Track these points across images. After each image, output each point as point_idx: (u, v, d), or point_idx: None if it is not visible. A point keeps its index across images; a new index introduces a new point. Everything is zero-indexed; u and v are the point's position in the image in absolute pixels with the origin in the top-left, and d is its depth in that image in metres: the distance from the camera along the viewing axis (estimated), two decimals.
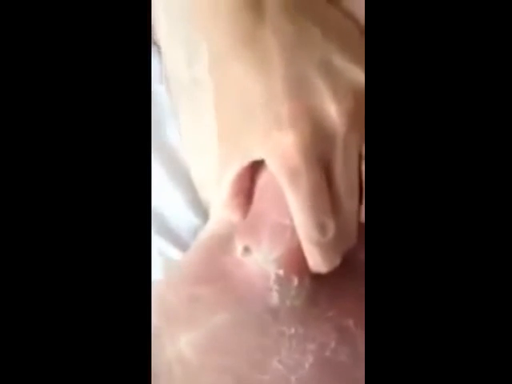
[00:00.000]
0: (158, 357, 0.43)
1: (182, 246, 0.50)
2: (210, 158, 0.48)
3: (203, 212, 0.52)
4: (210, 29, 0.43)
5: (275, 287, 0.43)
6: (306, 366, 0.41)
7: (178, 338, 0.43)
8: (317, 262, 0.42)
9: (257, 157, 0.43)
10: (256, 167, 0.44)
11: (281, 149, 0.41)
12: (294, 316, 0.42)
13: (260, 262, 0.43)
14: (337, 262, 0.42)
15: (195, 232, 0.51)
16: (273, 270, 0.43)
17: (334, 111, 0.40)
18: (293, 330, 0.42)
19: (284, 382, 0.41)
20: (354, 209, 0.42)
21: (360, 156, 0.42)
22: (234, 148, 0.43)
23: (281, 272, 0.43)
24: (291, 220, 0.42)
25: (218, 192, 0.45)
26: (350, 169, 0.42)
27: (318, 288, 0.43)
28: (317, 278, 0.43)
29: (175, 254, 0.51)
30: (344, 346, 0.42)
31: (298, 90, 0.41)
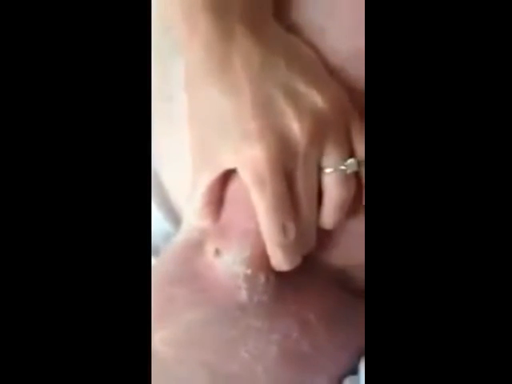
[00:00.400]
0: None
1: (155, 251, 0.55)
2: (182, 170, 0.52)
3: (176, 219, 0.56)
4: (188, 53, 0.47)
5: (244, 285, 0.47)
6: (271, 355, 0.46)
7: (156, 337, 0.48)
8: (279, 261, 0.47)
9: (228, 166, 0.47)
10: (227, 177, 0.48)
11: (250, 160, 0.45)
12: (261, 310, 0.47)
13: (230, 263, 0.48)
14: (297, 261, 0.47)
15: (167, 238, 0.55)
16: (241, 270, 0.47)
17: (297, 128, 0.45)
18: (259, 323, 0.47)
19: (251, 371, 0.46)
20: (314, 215, 0.47)
21: (319, 168, 0.47)
22: (206, 160, 0.48)
23: (249, 271, 0.47)
24: (256, 224, 0.47)
25: (190, 201, 0.49)
26: (309, 179, 0.47)
27: (283, 285, 0.48)
28: (281, 275, 0.48)
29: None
30: (305, 338, 0.47)
31: (265, 110, 0.46)
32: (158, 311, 0.49)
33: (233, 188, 0.49)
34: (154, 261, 0.54)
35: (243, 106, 0.46)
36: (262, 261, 0.47)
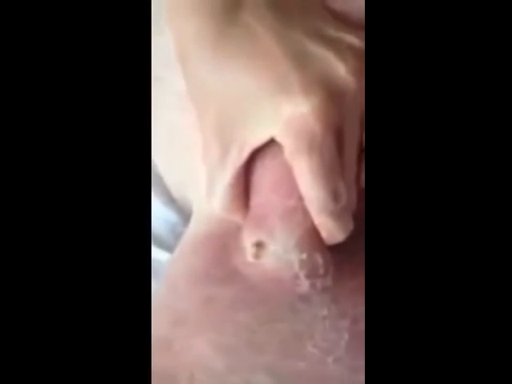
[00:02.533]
0: (174, 367, 0.42)
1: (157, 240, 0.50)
2: (175, 153, 0.46)
3: (179, 209, 0.50)
4: (184, 25, 0.42)
5: (302, 273, 0.43)
6: (342, 344, 0.42)
7: (194, 342, 0.42)
8: (333, 232, 0.42)
9: (261, 139, 0.41)
10: (251, 158, 0.43)
11: (294, 121, 0.39)
12: (327, 296, 0.42)
13: (280, 252, 0.42)
14: (351, 226, 0.42)
15: (170, 225, 0.49)
16: (296, 257, 0.42)
17: (343, 71, 0.40)
18: (326, 311, 0.42)
19: (320, 365, 0.42)
20: (355, 171, 0.42)
21: (362, 121, 0.42)
22: (228, 142, 0.42)
23: (304, 256, 0.42)
24: (298, 199, 0.42)
25: (212, 193, 0.43)
26: (357, 130, 0.42)
27: (339, 260, 0.43)
28: (335, 250, 0.43)
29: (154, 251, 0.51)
30: None
31: (301, 59, 0.40)
32: (198, 315, 0.43)
33: (261, 167, 0.43)
34: (154, 250, 0.49)
35: (273, 62, 0.40)
36: (314, 240, 0.42)
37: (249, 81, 0.41)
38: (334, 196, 0.41)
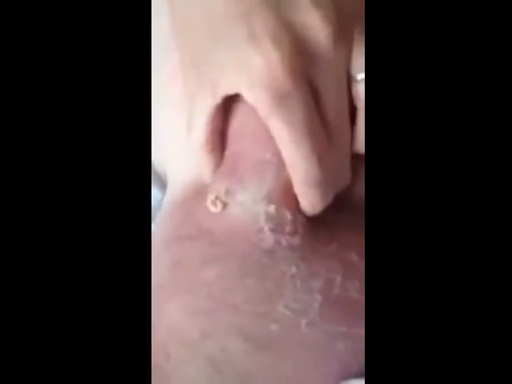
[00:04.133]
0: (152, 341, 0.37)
1: None
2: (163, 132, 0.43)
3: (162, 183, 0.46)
4: None
5: (267, 226, 0.38)
6: (315, 305, 0.37)
7: (168, 309, 0.38)
8: (311, 201, 0.38)
9: (231, 88, 0.37)
10: (228, 107, 0.39)
11: (262, 69, 0.35)
12: (294, 254, 0.38)
13: (247, 203, 0.38)
14: (330, 199, 0.39)
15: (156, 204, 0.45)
16: (262, 208, 0.38)
17: (317, 21, 0.36)
18: (294, 269, 0.38)
19: (294, 328, 0.37)
20: (347, 139, 0.39)
21: (349, 76, 0.38)
22: (202, 82, 0.38)
23: (271, 208, 0.38)
24: (275, 155, 0.38)
25: (188, 136, 0.40)
26: (338, 91, 0.38)
27: (314, 223, 0.39)
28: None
29: None
30: (352, 281, 0.38)
31: (273, 4, 0.36)
32: (169, 278, 0.39)
33: (239, 117, 0.39)
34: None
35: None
36: (285, 196, 0.39)
37: (215, 10, 0.37)
38: (318, 161, 0.37)
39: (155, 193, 0.48)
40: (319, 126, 0.37)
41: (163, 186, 0.48)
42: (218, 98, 0.38)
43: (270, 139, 0.38)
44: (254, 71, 0.35)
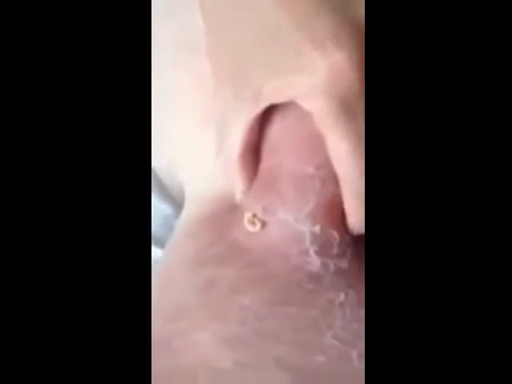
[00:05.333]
0: (176, 368, 0.33)
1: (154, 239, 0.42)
2: (178, 133, 0.39)
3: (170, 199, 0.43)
4: None
5: (313, 248, 0.35)
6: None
7: (197, 336, 0.34)
8: (362, 217, 0.35)
9: (282, 96, 0.34)
10: (263, 117, 0.36)
11: (327, 72, 0.32)
12: (342, 279, 0.35)
13: (289, 221, 0.35)
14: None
15: (167, 223, 0.42)
16: (307, 228, 0.35)
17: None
18: (343, 297, 0.34)
19: (344, 360, 0.33)
20: None
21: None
22: (240, 94, 0.35)
23: (317, 229, 0.35)
24: (318, 169, 0.35)
25: (221, 145, 0.36)
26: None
27: (362, 244, 0.36)
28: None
29: None
30: None
31: (335, 5, 0.33)
32: (196, 302, 0.35)
33: (277, 127, 0.36)
34: (154, 250, 0.40)
35: (306, 2, 0.33)
36: (331, 214, 0.35)
37: (269, 17, 0.34)
38: None
39: (164, 208, 0.45)
40: None
41: (172, 199, 0.44)
42: (258, 109, 0.35)
43: (313, 151, 0.35)
44: (315, 75, 0.32)
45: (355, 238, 0.36)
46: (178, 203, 0.44)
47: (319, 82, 0.32)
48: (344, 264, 0.35)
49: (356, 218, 0.35)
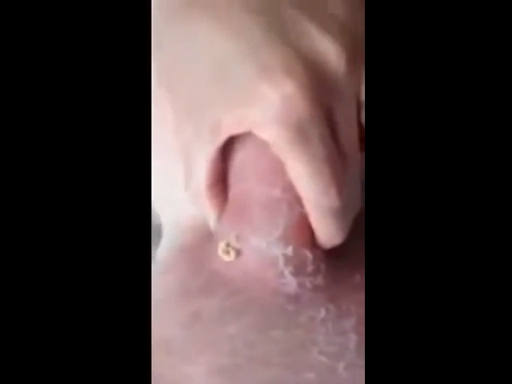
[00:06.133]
0: None
1: None
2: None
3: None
4: None
5: (288, 270, 0.36)
6: (351, 347, 0.35)
7: (191, 369, 0.35)
8: (330, 233, 0.36)
9: (239, 127, 0.35)
10: (226, 147, 0.37)
11: (278, 103, 0.33)
12: (320, 294, 0.36)
13: (262, 247, 0.36)
14: (348, 229, 0.36)
15: None
16: (279, 251, 0.36)
17: (329, 46, 0.34)
18: (324, 313, 0.36)
19: (331, 373, 0.34)
20: (358, 166, 0.36)
21: (359, 103, 0.36)
22: (199, 128, 0.35)
23: (289, 250, 0.36)
24: (283, 190, 0.36)
25: (188, 180, 0.37)
26: (351, 118, 0.36)
27: (332, 256, 0.37)
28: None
29: None
30: None
31: (286, 35, 0.34)
32: (183, 335, 0.36)
33: (241, 156, 0.37)
34: None
35: (253, 33, 0.34)
36: (302, 233, 0.36)
37: (219, 50, 0.35)
38: (337, 191, 0.35)
39: None
40: (336, 156, 0.35)
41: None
42: (219, 141, 0.35)
43: (277, 174, 0.36)
44: (268, 106, 0.33)
45: (327, 253, 0.37)
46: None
47: (272, 113, 0.33)
48: (320, 280, 0.36)
49: (325, 234, 0.36)
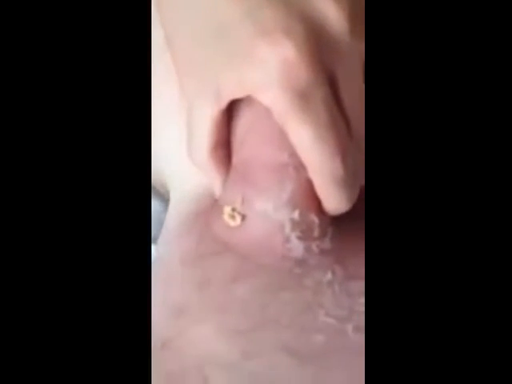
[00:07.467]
0: (182, 366, 0.34)
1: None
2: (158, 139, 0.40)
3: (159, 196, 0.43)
4: None
5: (294, 234, 0.36)
6: (360, 308, 0.35)
7: (199, 331, 0.35)
8: (336, 201, 0.35)
9: (240, 91, 0.34)
10: (230, 110, 0.36)
11: (278, 65, 0.33)
12: (327, 258, 0.36)
13: (269, 211, 0.36)
14: (356, 197, 0.36)
15: (155, 217, 0.42)
16: (286, 216, 0.36)
17: (331, 7, 0.34)
18: (330, 275, 0.36)
19: (340, 336, 0.35)
20: (363, 131, 0.36)
21: (362, 66, 0.35)
22: (202, 89, 0.35)
23: (295, 215, 0.36)
24: (292, 156, 0.35)
25: (190, 150, 0.37)
26: (356, 83, 0.35)
27: (339, 220, 0.37)
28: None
29: None
30: None
31: None
32: (195, 299, 0.36)
33: (245, 120, 0.37)
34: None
35: None
36: (308, 198, 0.36)
37: (219, 11, 0.34)
38: (341, 159, 0.34)
39: (154, 204, 0.45)
40: (341, 121, 0.34)
41: (160, 196, 0.45)
42: (222, 104, 0.35)
43: (285, 139, 0.35)
44: (268, 69, 0.33)
45: (334, 216, 0.37)
46: (166, 199, 0.45)
47: (271, 76, 0.33)
48: (326, 244, 0.36)
49: (330, 202, 0.36)
